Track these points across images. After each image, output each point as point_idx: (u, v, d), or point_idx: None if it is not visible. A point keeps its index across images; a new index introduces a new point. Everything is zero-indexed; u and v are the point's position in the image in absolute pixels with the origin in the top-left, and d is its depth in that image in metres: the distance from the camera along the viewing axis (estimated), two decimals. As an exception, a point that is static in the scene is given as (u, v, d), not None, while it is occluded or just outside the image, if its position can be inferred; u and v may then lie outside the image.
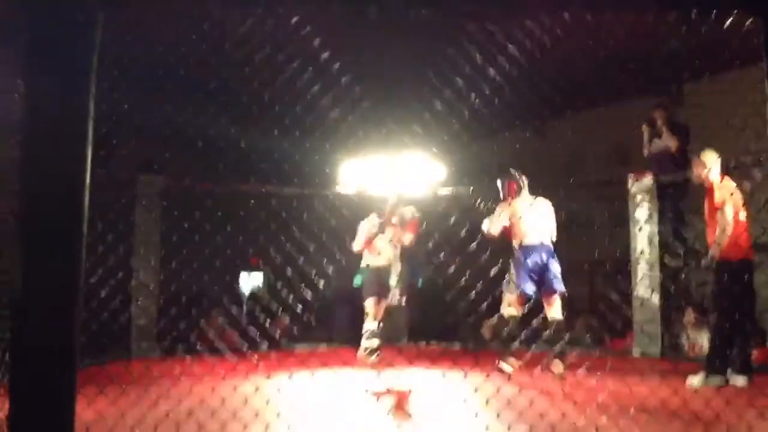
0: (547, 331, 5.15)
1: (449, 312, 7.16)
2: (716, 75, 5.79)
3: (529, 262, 5.25)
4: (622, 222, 6.75)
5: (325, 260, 6.44)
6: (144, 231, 6.77)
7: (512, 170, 5.58)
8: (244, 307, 9.03)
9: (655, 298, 6.45)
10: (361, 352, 5.97)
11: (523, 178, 5.54)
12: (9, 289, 2.38)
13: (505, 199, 5.52)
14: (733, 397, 4.06)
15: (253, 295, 9.65)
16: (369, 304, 6.24)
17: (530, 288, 5.23)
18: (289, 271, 6.07)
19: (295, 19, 2.62)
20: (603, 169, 7.68)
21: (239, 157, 5.42)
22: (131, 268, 6.43)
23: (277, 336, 7.23)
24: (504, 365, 5.14)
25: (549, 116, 9.14)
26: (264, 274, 10.14)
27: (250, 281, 10.70)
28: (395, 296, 6.37)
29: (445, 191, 7.67)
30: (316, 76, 3.32)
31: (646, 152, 6.90)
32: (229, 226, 5.69)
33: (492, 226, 5.42)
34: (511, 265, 5.39)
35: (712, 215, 4.70)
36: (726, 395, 4.06)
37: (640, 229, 6.58)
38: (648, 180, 6.68)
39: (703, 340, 6.11)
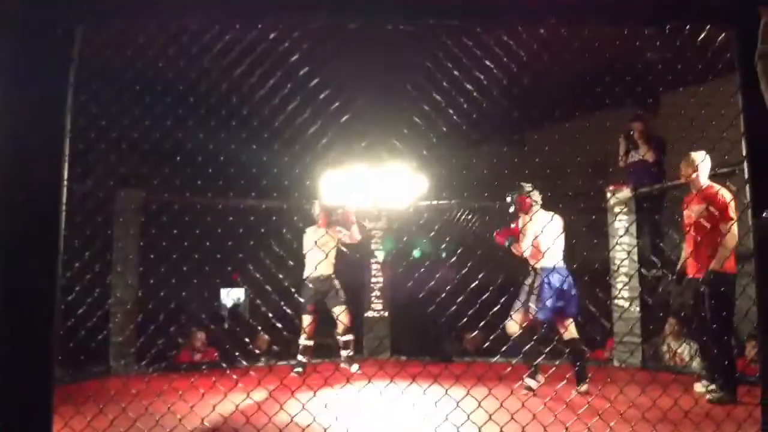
0: (568, 351, 5.11)
1: (431, 326, 7.16)
2: (693, 85, 5.87)
3: (550, 285, 5.04)
4: (600, 234, 6.79)
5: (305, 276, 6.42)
6: (122, 247, 6.70)
7: (523, 184, 5.37)
8: (225, 324, 8.96)
9: (635, 309, 6.49)
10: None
11: (536, 192, 5.34)
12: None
13: (516, 214, 5.33)
14: (713, 407, 4.09)
15: (234, 311, 9.58)
16: (305, 319, 6.44)
17: (547, 314, 5.05)
18: (268, 287, 6.03)
19: (273, 35, 2.62)
20: (582, 181, 7.75)
21: (218, 172, 5.40)
22: (109, 285, 6.35)
23: (258, 352, 7.18)
24: (528, 381, 5.09)
25: (527, 128, 9.23)
26: (245, 290, 10.08)
27: (230, 297, 10.62)
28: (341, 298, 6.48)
29: (425, 203, 7.70)
30: (295, 90, 3.32)
31: (622, 163, 6.97)
32: (209, 242, 5.65)
33: (521, 244, 5.21)
34: (528, 285, 5.18)
35: (706, 224, 4.60)
36: (707, 406, 4.09)
37: (618, 241, 6.63)
38: (626, 192, 6.75)
39: (683, 350, 6.16)
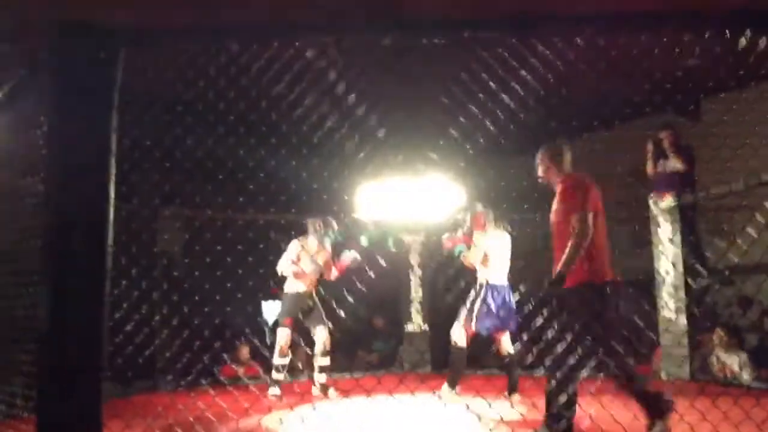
0: (506, 362, 5.27)
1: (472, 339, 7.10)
2: (734, 91, 5.74)
3: (495, 300, 5.24)
4: (643, 243, 6.68)
5: (344, 289, 6.43)
6: (166, 264, 6.82)
7: (477, 203, 5.56)
8: (267, 338, 9.03)
9: (682, 320, 6.35)
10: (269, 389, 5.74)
11: (489, 211, 5.49)
12: (35, 324, 2.41)
13: (470, 231, 5.45)
14: (764, 421, 3.97)
15: (275, 325, 9.65)
16: (281, 334, 5.88)
17: (488, 327, 5.23)
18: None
19: (310, 53, 2.67)
20: (623, 190, 7.64)
21: (259, 188, 5.47)
22: (155, 301, 6.47)
23: (300, 366, 7.20)
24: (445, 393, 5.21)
25: (566, 137, 9.14)
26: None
27: (272, 311, 10.69)
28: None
29: (461, 216, 7.67)
30: (332, 106, 3.37)
31: (650, 171, 6.83)
32: (251, 257, 5.72)
33: (472, 257, 5.36)
34: (472, 298, 5.32)
35: (561, 220, 3.73)
36: (758, 417, 3.98)
37: (662, 251, 6.50)
38: (669, 200, 6.62)
39: (732, 362, 6.00)
